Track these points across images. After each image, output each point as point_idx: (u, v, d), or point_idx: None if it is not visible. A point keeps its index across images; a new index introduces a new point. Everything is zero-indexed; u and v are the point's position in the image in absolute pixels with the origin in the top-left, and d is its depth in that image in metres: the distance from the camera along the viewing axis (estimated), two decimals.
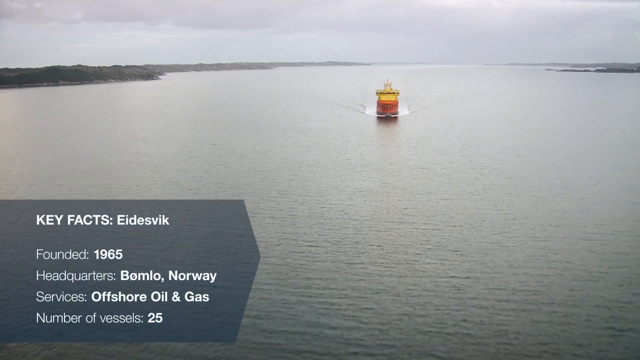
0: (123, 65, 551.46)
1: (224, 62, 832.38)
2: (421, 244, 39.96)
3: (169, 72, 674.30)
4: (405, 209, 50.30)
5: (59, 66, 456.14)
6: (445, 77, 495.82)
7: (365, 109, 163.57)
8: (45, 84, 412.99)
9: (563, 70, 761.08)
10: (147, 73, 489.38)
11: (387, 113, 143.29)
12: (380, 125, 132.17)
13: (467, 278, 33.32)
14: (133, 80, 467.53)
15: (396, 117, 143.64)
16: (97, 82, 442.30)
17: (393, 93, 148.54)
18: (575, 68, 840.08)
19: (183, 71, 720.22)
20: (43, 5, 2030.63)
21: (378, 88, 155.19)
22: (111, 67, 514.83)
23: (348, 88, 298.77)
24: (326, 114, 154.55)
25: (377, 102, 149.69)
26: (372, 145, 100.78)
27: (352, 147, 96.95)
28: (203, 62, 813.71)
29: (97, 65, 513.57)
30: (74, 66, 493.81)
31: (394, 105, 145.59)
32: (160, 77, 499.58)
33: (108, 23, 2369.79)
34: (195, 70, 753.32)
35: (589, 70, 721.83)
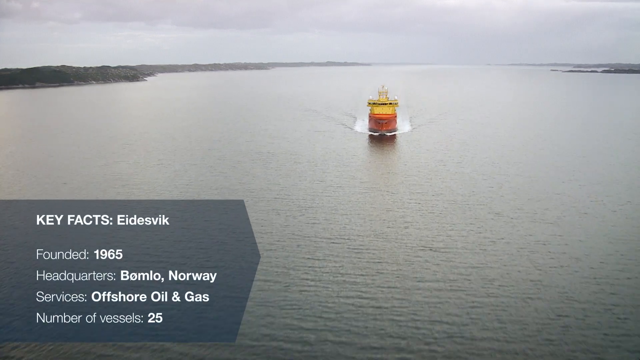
0: (114, 65, 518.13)
1: (219, 63, 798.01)
2: None
3: (163, 72, 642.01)
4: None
5: (38, 67, 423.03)
6: (449, 79, 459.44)
7: (355, 122, 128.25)
8: (21, 86, 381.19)
9: (569, 71, 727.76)
10: (132, 74, 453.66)
11: (381, 130, 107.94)
12: (372, 149, 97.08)
13: None
14: (117, 82, 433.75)
15: (394, 135, 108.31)
16: (78, 84, 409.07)
17: (390, 104, 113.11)
18: (578, 69, 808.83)
19: (177, 72, 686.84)
20: (41, 5, 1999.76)
21: (370, 97, 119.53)
22: (98, 67, 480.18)
23: (341, 92, 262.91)
24: (304, 129, 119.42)
25: (370, 116, 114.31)
26: (355, 191, 65.85)
27: (323, 193, 62.12)
28: (199, 63, 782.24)
29: (82, 66, 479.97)
30: (57, 67, 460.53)
31: (391, 120, 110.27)
32: (146, 78, 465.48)
33: (107, 23, 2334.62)
34: (189, 70, 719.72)
35: (596, 71, 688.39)
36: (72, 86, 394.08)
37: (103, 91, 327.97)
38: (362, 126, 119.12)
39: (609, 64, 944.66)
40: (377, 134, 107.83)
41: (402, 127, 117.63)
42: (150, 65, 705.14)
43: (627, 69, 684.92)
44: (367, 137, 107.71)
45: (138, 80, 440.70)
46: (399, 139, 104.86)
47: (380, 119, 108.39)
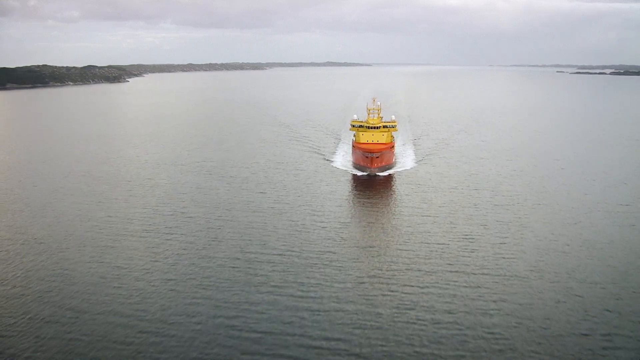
0: (105, 65, 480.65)
1: (214, 63, 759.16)
2: None
3: (154, 72, 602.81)
4: None
5: (9, 67, 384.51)
6: (454, 82, 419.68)
7: (337, 147, 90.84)
8: None
9: (576, 73, 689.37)
10: (115, 75, 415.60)
11: (371, 169, 70.37)
12: (353, 208, 59.72)
13: None
14: (97, 82, 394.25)
15: (389, 175, 70.92)
16: (54, 86, 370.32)
17: (384, 127, 75.22)
18: (583, 70, 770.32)
19: (170, 72, 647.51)
20: (38, 3, 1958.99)
21: (355, 116, 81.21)
22: (83, 67, 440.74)
23: (331, 97, 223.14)
24: (263, 160, 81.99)
25: (354, 146, 75.95)
26: (303, 343, 28.47)
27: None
28: (194, 62, 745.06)
29: (71, 66, 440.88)
30: (38, 66, 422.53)
31: (385, 152, 72.25)
32: (129, 79, 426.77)
33: (107, 22, 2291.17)
34: (183, 70, 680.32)
35: (604, 73, 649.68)
36: (47, 87, 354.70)
37: (73, 94, 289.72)
38: (346, 155, 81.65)
39: (612, 65, 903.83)
40: (365, 174, 70.40)
41: (403, 158, 80.00)
42: (142, 65, 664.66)
43: (635, 70, 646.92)
44: (349, 178, 70.19)
45: (119, 82, 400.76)
46: (396, 184, 67.32)
47: (369, 151, 70.63)
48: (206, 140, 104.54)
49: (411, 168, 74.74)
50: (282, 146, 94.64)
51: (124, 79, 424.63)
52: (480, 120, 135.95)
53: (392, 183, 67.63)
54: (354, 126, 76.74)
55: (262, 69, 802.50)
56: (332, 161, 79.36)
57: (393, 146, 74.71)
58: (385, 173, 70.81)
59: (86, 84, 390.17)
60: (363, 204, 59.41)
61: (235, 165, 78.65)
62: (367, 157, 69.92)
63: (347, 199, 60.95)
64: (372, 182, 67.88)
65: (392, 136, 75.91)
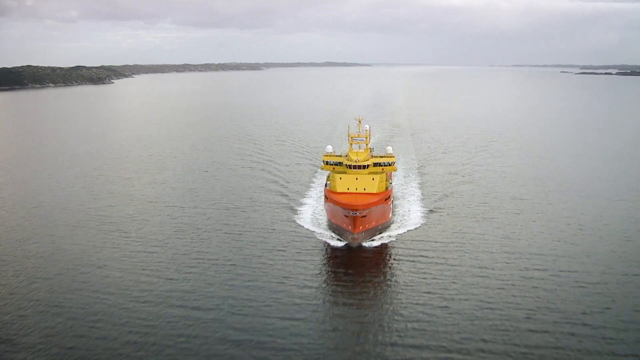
0: (97, 65, 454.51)
1: (210, 63, 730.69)
2: None
3: (147, 73, 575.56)
4: None
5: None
6: (457, 82, 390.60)
7: (310, 182, 63.77)
8: None
9: (581, 73, 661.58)
10: (99, 77, 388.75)
11: (354, 235, 43.26)
12: (321, 321, 32.59)
13: None
14: (80, 84, 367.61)
15: (383, 246, 43.82)
16: (33, 87, 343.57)
17: (377, 166, 48.26)
18: (587, 70, 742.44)
19: (163, 72, 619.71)
20: (36, 3, 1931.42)
21: (329, 149, 53.19)
22: (70, 68, 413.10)
23: (322, 102, 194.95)
24: (202, 205, 55.32)
25: (328, 197, 47.49)
26: None
27: None
28: (189, 63, 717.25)
29: (50, 66, 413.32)
30: (21, 67, 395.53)
31: (377, 207, 45.18)
32: (114, 81, 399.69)
33: (106, 22, 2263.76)
34: (177, 71, 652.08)
35: (610, 73, 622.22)
36: (25, 90, 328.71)
37: (43, 97, 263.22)
38: (320, 202, 54.89)
39: (614, 65, 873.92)
40: (345, 243, 43.68)
41: (404, 205, 53.24)
42: (137, 65, 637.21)
43: None
44: (319, 248, 43.39)
45: (104, 84, 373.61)
46: (393, 262, 40.60)
47: (352, 207, 43.58)
48: (143, 167, 77.79)
49: (417, 227, 47.82)
50: (235, 181, 67.70)
51: (109, 80, 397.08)
52: (500, 134, 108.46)
53: (387, 261, 41.02)
54: (327, 163, 49.38)
55: (259, 69, 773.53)
56: (299, 213, 52.21)
57: (389, 197, 47.18)
58: (376, 242, 43.98)
59: (68, 85, 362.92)
60: (337, 313, 32.86)
61: (158, 214, 52.19)
62: (347, 216, 43.00)
63: (308, 299, 34.33)
64: (355, 259, 41.25)
65: (386, 180, 48.62)
